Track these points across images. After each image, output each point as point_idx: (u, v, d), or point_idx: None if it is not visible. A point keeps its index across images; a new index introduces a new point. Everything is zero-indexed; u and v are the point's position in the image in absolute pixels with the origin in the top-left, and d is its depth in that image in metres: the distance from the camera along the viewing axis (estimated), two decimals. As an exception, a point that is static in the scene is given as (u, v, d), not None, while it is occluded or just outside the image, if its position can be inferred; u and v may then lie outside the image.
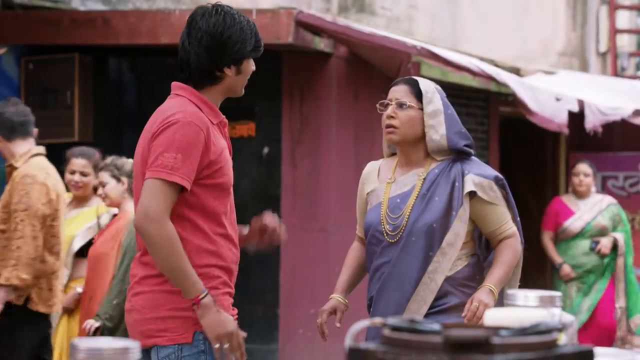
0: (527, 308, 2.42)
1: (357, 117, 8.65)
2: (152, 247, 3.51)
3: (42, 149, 5.75)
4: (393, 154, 4.35)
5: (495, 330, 2.08)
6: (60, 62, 8.30)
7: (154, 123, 3.61)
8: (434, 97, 4.21)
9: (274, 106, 8.26)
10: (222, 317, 3.54)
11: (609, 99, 10.01)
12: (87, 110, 8.32)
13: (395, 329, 2.08)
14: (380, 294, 4.18)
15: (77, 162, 6.51)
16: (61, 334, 6.39)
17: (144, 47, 8.24)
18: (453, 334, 2.01)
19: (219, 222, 3.64)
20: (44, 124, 8.26)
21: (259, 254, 8.50)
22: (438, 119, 4.18)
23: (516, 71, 10.70)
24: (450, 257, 4.12)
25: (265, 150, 8.26)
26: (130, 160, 6.18)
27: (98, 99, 8.46)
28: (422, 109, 4.19)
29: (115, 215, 6.44)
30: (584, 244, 8.78)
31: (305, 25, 7.85)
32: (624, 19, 14.35)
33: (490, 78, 9.22)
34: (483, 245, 4.26)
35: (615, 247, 8.75)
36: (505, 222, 4.19)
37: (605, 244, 8.71)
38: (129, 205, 6.11)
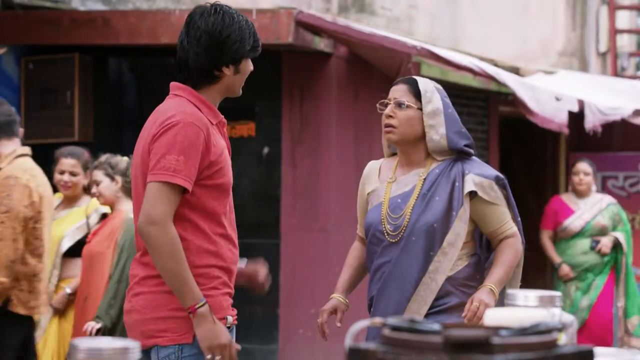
0: (527, 308, 2.42)
1: (357, 117, 8.65)
2: (153, 250, 3.51)
3: (27, 150, 5.68)
4: (394, 154, 4.35)
5: (495, 330, 2.08)
6: (60, 62, 8.30)
7: (154, 124, 3.61)
8: (433, 96, 4.20)
9: (274, 106, 8.26)
10: (217, 329, 3.54)
11: (609, 99, 10.01)
12: (87, 110, 8.32)
13: (395, 329, 2.08)
14: (380, 293, 4.18)
15: (66, 162, 6.49)
16: (53, 335, 6.36)
17: (144, 47, 8.24)
18: (453, 334, 2.01)
19: (218, 222, 3.64)
20: (44, 124, 8.29)
21: (259, 254, 8.51)
22: (438, 118, 4.18)
23: (516, 71, 10.70)
24: (451, 257, 4.12)
25: (265, 150, 8.26)
26: (125, 159, 6.18)
27: (98, 99, 8.45)
28: (421, 109, 4.19)
29: (104, 214, 6.44)
30: (584, 243, 8.77)
31: (305, 25, 7.85)
32: (624, 19, 14.35)
33: (490, 78, 9.22)
34: (484, 246, 4.26)
35: (615, 246, 8.74)
36: (505, 222, 4.19)
37: (605, 243, 8.70)
38: (124, 204, 6.10)
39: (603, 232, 8.75)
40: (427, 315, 4.10)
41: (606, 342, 8.53)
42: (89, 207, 6.46)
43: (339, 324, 4.23)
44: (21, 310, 5.53)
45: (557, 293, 2.49)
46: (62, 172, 6.48)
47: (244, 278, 3.90)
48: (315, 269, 8.34)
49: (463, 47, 10.67)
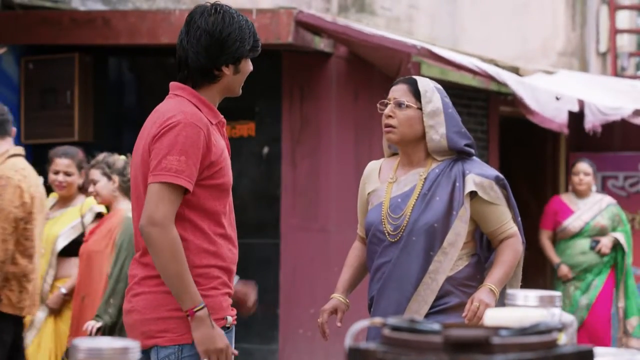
0: (527, 308, 2.42)
1: (357, 117, 8.65)
2: (155, 252, 3.51)
3: (20, 150, 5.66)
4: (394, 154, 4.35)
5: (495, 330, 2.08)
6: (60, 62, 8.30)
7: (154, 124, 3.61)
8: (433, 96, 4.20)
9: (274, 106, 8.26)
10: (215, 333, 3.54)
11: (609, 99, 10.00)
12: (87, 110, 8.32)
13: (395, 328, 2.08)
14: (381, 293, 4.18)
15: (61, 162, 6.48)
16: (49, 335, 6.35)
17: (144, 47, 8.24)
18: (453, 334, 2.01)
19: (218, 222, 3.64)
20: (44, 124, 8.29)
21: (259, 254, 8.52)
22: (438, 118, 4.18)
23: (516, 71, 10.70)
24: (452, 257, 4.12)
25: (265, 150, 8.26)
26: (122, 158, 6.17)
27: (98, 99, 8.45)
28: (421, 109, 4.19)
29: (99, 213, 6.43)
30: (583, 243, 8.75)
31: (305, 25, 7.85)
32: (624, 19, 14.35)
33: (490, 78, 9.22)
34: (484, 246, 4.26)
35: (615, 246, 8.73)
36: (506, 222, 4.19)
37: (605, 243, 8.69)
38: (121, 203, 6.09)
39: (602, 232, 8.74)
40: (427, 315, 4.10)
41: (604, 343, 8.53)
42: (84, 207, 6.46)
43: (339, 324, 4.23)
44: (10, 310, 5.52)
45: (557, 293, 2.49)
46: (56, 172, 6.47)
47: (233, 298, 3.89)
48: (315, 269, 8.34)
49: (463, 47, 10.67)
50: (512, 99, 9.50)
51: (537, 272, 10.45)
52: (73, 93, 8.25)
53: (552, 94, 9.46)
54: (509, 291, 2.50)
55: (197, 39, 3.65)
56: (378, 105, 4.26)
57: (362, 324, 2.22)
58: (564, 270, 8.74)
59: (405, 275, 4.12)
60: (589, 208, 8.79)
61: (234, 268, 3.72)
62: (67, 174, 6.46)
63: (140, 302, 3.62)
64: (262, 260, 8.18)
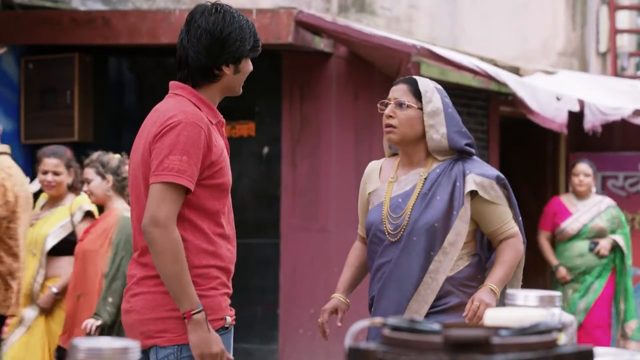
0: (527, 308, 2.42)
1: (357, 117, 8.65)
2: (156, 252, 3.51)
3: (6, 148, 5.63)
4: (395, 154, 4.35)
5: (495, 330, 2.08)
6: (60, 62, 8.30)
7: (154, 124, 3.60)
8: (433, 96, 4.21)
9: (274, 106, 8.26)
10: (211, 337, 3.53)
11: (609, 99, 10.00)
12: (87, 110, 8.32)
13: (395, 328, 2.08)
14: (381, 293, 4.18)
15: (49, 162, 6.46)
16: (39, 335, 6.33)
17: (144, 47, 8.24)
18: (453, 334, 2.01)
19: (217, 222, 3.64)
20: (44, 124, 8.29)
21: (259, 254, 8.52)
22: (438, 118, 4.18)
23: (516, 71, 10.70)
24: (452, 257, 4.12)
25: (265, 150, 8.26)
26: (117, 157, 6.16)
27: (98, 99, 8.46)
28: (421, 109, 4.19)
29: (88, 211, 6.43)
30: (581, 245, 8.72)
31: (305, 25, 7.85)
32: (624, 19, 14.35)
33: (490, 78, 9.22)
34: (485, 246, 4.26)
35: (614, 248, 8.71)
36: (506, 221, 4.19)
37: (604, 245, 8.66)
38: (116, 202, 6.09)
39: (601, 234, 8.70)
40: (427, 315, 4.10)
41: (601, 346, 8.51)
42: (73, 205, 6.45)
43: (339, 324, 4.23)
44: None
45: (557, 293, 2.49)
46: (45, 172, 6.46)
47: None
48: (315, 269, 8.35)
49: (463, 47, 10.67)
50: (512, 99, 9.50)
51: (536, 272, 10.44)
52: (73, 93, 8.25)
53: (552, 94, 9.46)
54: (509, 291, 2.50)
55: (198, 38, 3.65)
56: (378, 105, 4.26)
57: (362, 324, 2.22)
58: (562, 272, 8.72)
59: (406, 275, 4.12)
60: (588, 210, 8.76)
61: (233, 268, 3.72)
62: (56, 173, 6.45)
63: (139, 302, 3.62)
64: (262, 260, 8.18)
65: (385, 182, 4.27)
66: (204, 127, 3.57)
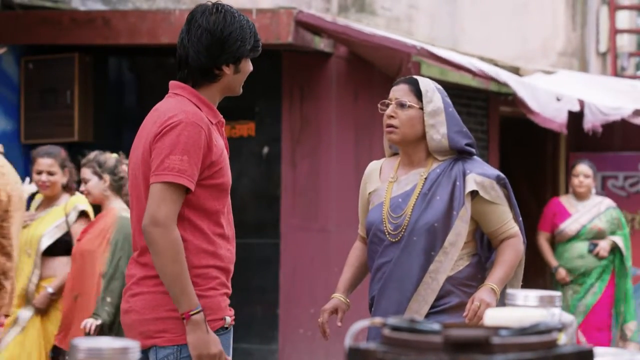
0: (527, 308, 2.42)
1: (357, 117, 8.65)
2: (156, 252, 3.51)
3: None
4: (395, 154, 4.35)
5: (495, 330, 2.08)
6: (60, 62, 8.30)
7: (154, 123, 3.60)
8: (434, 96, 4.21)
9: (274, 106, 8.26)
10: (209, 338, 3.53)
11: (609, 99, 10.00)
12: (87, 110, 8.32)
13: (395, 328, 2.08)
14: (381, 293, 4.18)
15: (43, 162, 6.45)
16: (35, 335, 6.31)
17: (144, 47, 8.24)
18: (453, 334, 2.01)
19: (217, 222, 3.64)
20: (44, 124, 8.29)
21: (259, 254, 8.51)
22: (439, 118, 4.18)
23: (516, 71, 10.70)
24: (452, 257, 4.12)
25: (265, 150, 8.26)
26: (114, 156, 6.14)
27: (98, 99, 8.46)
28: (422, 109, 4.19)
29: (82, 211, 6.41)
30: (580, 246, 8.69)
31: (305, 25, 7.85)
32: (624, 19, 14.34)
33: (490, 78, 9.22)
34: (485, 246, 4.26)
35: (613, 250, 8.68)
36: (506, 221, 4.19)
37: (603, 246, 8.62)
38: (113, 202, 6.07)
39: (600, 235, 8.66)
40: (427, 315, 4.10)
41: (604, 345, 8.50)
42: (68, 205, 6.43)
43: (339, 324, 4.23)
44: None
45: (557, 293, 2.49)
46: (39, 172, 6.44)
47: None
48: (315, 269, 8.35)
49: (463, 47, 10.67)
50: (512, 99, 9.50)
51: (536, 273, 10.44)
52: (73, 93, 8.25)
53: (552, 94, 9.46)
54: (509, 291, 2.50)
55: (198, 37, 3.65)
56: (379, 105, 4.26)
57: (362, 323, 2.22)
58: (561, 273, 8.69)
59: (406, 275, 4.12)
60: (587, 211, 8.73)
61: (232, 268, 3.72)
62: (50, 173, 6.43)
63: (138, 302, 3.61)
64: (262, 260, 8.18)
65: (386, 182, 4.27)
66: (205, 127, 3.57)
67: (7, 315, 5.65)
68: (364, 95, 8.62)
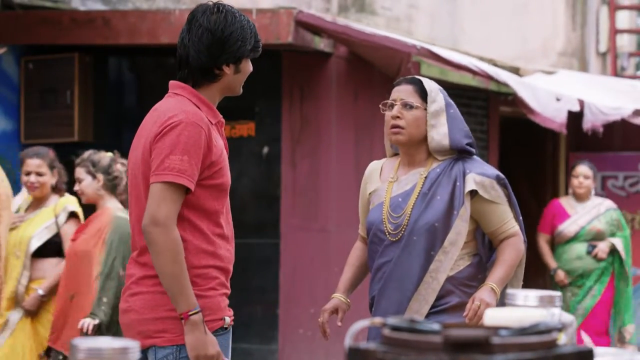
0: (527, 308, 2.42)
1: (357, 117, 8.65)
2: (155, 252, 3.51)
3: None
4: (396, 154, 4.35)
5: (495, 330, 2.08)
6: (60, 62, 8.30)
7: (154, 123, 3.60)
8: (437, 96, 4.22)
9: (274, 106, 8.26)
10: (207, 339, 3.53)
11: (609, 99, 10.00)
12: (87, 110, 8.32)
13: (395, 328, 2.08)
14: (381, 293, 4.18)
15: (32, 163, 6.40)
16: (25, 337, 6.25)
17: (144, 47, 8.24)
18: (453, 334, 2.01)
19: (217, 222, 3.64)
20: (44, 124, 8.29)
21: (259, 254, 8.51)
22: (440, 118, 4.19)
23: (516, 71, 10.70)
24: (452, 256, 4.12)
25: (265, 150, 8.26)
26: (109, 155, 6.12)
27: (98, 99, 8.46)
28: (426, 109, 4.19)
29: (72, 212, 6.39)
30: (578, 248, 8.67)
31: (305, 25, 7.85)
32: (624, 19, 14.35)
33: (490, 78, 9.22)
34: (487, 245, 4.26)
35: (612, 252, 8.66)
36: (507, 221, 4.19)
37: (602, 248, 8.58)
38: (108, 202, 6.04)
39: (599, 237, 8.62)
40: (428, 315, 4.10)
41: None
42: (58, 207, 6.39)
43: (340, 324, 4.23)
44: None
45: (557, 293, 2.48)
46: (28, 173, 6.39)
47: None
48: (315, 269, 8.35)
49: (463, 47, 10.67)
50: (512, 99, 9.50)
51: (536, 273, 10.44)
52: (73, 93, 8.25)
53: (552, 94, 9.46)
54: (509, 291, 2.50)
55: (199, 37, 3.65)
56: (381, 105, 4.25)
57: (362, 323, 2.22)
58: (560, 275, 8.67)
59: (406, 274, 4.12)
60: (586, 212, 8.70)
61: (231, 268, 3.72)
62: (39, 174, 6.38)
63: (137, 301, 3.61)
64: (262, 260, 8.18)
65: (386, 182, 4.27)
66: (205, 127, 3.57)
67: None
68: (364, 95, 8.62)
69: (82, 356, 1.94)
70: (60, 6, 8.31)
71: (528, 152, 11.65)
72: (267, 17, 7.65)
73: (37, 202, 6.47)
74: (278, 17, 7.67)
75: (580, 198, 8.75)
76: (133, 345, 1.96)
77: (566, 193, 9.49)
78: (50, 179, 6.40)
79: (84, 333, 5.73)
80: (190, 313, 3.50)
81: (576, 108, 9.44)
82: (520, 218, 4.26)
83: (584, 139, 10.20)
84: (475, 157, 4.25)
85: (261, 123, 8.28)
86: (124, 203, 6.03)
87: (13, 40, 8.20)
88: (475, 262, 4.18)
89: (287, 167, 8.26)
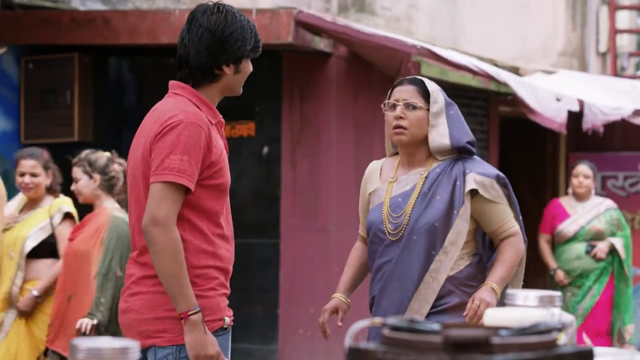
0: (527, 308, 2.42)
1: (357, 117, 8.65)
2: (155, 251, 3.51)
3: None
4: (395, 154, 4.36)
5: (495, 330, 2.08)
6: (60, 62, 8.30)
7: (155, 123, 3.60)
8: (438, 97, 4.22)
9: (274, 106, 8.26)
10: (207, 339, 3.53)
11: (609, 99, 10.00)
12: (87, 110, 8.32)
13: (395, 328, 2.08)
14: (382, 293, 4.18)
15: (26, 164, 6.39)
16: (19, 338, 6.23)
17: (144, 47, 8.24)
18: (453, 334, 2.01)
19: (216, 222, 3.64)
20: (44, 124, 8.29)
21: (259, 254, 8.51)
22: (440, 119, 4.19)
23: (516, 71, 10.70)
24: (452, 256, 4.12)
25: (265, 150, 8.26)
26: (106, 155, 6.10)
27: (98, 99, 8.46)
28: (428, 110, 4.20)
29: (67, 213, 6.38)
30: (578, 248, 8.65)
31: (305, 25, 7.85)
32: (624, 19, 14.35)
33: (490, 78, 9.22)
34: (487, 245, 4.26)
35: (612, 252, 8.64)
36: (507, 220, 4.19)
37: (601, 248, 8.56)
38: (105, 202, 6.02)
39: (599, 236, 8.60)
40: (428, 315, 4.10)
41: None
42: (52, 207, 6.37)
43: (340, 324, 4.23)
44: None
45: (557, 293, 2.49)
46: (22, 174, 6.38)
47: None
48: (315, 269, 8.35)
49: (463, 47, 10.67)
50: (512, 99, 9.50)
51: (537, 273, 10.44)
52: (73, 93, 8.25)
53: (552, 94, 9.46)
54: (509, 291, 2.50)
55: (199, 37, 3.65)
56: (382, 106, 4.25)
57: (362, 323, 2.22)
58: (560, 275, 8.66)
59: (407, 274, 4.12)
60: (586, 212, 8.68)
61: (231, 268, 3.72)
62: (34, 175, 6.37)
63: (137, 301, 3.61)
64: (262, 260, 8.18)
65: (386, 182, 4.27)
66: (205, 127, 3.57)
67: None
68: (364, 95, 8.62)
69: (82, 356, 1.94)
70: (60, 6, 8.31)
71: (528, 152, 11.65)
72: (267, 17, 7.65)
73: (32, 203, 6.45)
74: (278, 17, 7.67)
75: (580, 198, 8.73)
76: (133, 345, 1.96)
77: (566, 193, 9.47)
78: (44, 180, 6.39)
79: (82, 333, 5.72)
80: (190, 313, 3.50)
81: (576, 108, 9.44)
82: (521, 217, 4.26)
83: (584, 139, 10.20)
84: (475, 156, 4.25)
85: (261, 123, 8.28)
86: (121, 203, 6.02)
87: (13, 40, 8.20)
88: (475, 262, 4.18)
89: (287, 167, 8.26)
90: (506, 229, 4.19)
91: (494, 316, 2.31)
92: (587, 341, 8.53)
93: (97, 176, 6.00)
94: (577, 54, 13.33)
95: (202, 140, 3.55)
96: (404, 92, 4.22)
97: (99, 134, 8.36)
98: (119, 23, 7.98)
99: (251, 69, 3.76)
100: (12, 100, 8.35)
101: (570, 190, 8.88)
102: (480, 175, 4.16)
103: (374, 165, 4.39)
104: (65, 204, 6.39)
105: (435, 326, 2.06)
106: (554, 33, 12.92)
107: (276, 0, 8.88)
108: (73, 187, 6.08)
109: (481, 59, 9.83)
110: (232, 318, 3.70)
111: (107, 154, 6.13)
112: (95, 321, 5.74)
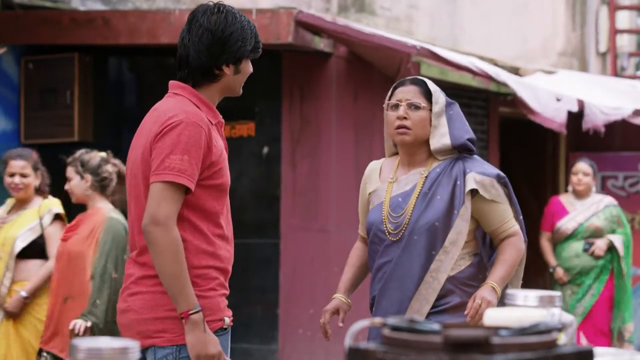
0: (527, 308, 2.42)
1: (357, 117, 8.65)
2: (155, 251, 3.50)
3: None
4: (395, 154, 4.36)
5: (495, 330, 2.08)
6: (60, 62, 8.30)
7: (155, 123, 3.60)
8: (439, 97, 4.23)
9: (274, 106, 8.26)
10: (208, 338, 3.52)
11: (609, 99, 10.00)
12: (87, 110, 8.32)
13: (395, 328, 2.08)
14: (382, 293, 4.18)
15: (16, 164, 6.38)
16: (9, 340, 6.20)
17: (144, 47, 8.24)
18: (453, 334, 2.01)
19: (216, 222, 3.64)
20: (44, 124, 8.29)
21: (259, 254, 8.51)
22: (440, 119, 4.20)
23: (516, 71, 10.70)
24: (453, 256, 4.12)
25: (265, 150, 8.26)
26: (100, 155, 6.08)
27: (98, 99, 8.45)
28: (431, 110, 4.20)
29: (57, 214, 6.36)
30: (576, 245, 8.63)
31: (305, 25, 7.85)
32: (624, 19, 14.35)
33: (490, 78, 9.22)
34: (487, 245, 4.26)
35: (610, 249, 8.63)
36: (507, 220, 4.19)
37: (599, 245, 8.55)
38: (98, 202, 5.99)
39: (598, 234, 8.58)
40: (429, 315, 4.10)
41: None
42: (42, 208, 6.36)
43: (341, 324, 4.23)
44: None
45: (557, 293, 2.48)
46: (12, 175, 6.37)
47: None
48: (315, 269, 8.34)
49: (463, 47, 10.67)
50: (512, 99, 9.50)
51: (537, 272, 10.44)
52: (73, 93, 8.25)
53: (552, 94, 9.46)
54: (509, 291, 2.50)
55: (199, 37, 3.65)
56: (384, 106, 4.25)
57: (362, 324, 2.22)
58: (559, 273, 8.64)
59: (407, 274, 4.12)
60: (585, 209, 8.66)
61: (230, 269, 3.72)
62: (23, 175, 6.35)
63: (137, 301, 3.61)
64: (262, 260, 8.18)
65: (385, 182, 4.27)
66: (205, 127, 3.57)
67: None
68: (364, 95, 8.62)
69: (82, 356, 1.93)
70: (60, 6, 8.31)
71: (528, 152, 11.65)
72: (267, 17, 7.65)
73: (20, 204, 6.44)
74: (278, 17, 7.67)
75: (579, 195, 8.71)
76: (133, 345, 1.96)
77: (566, 192, 9.47)
78: (34, 181, 6.38)
79: (75, 334, 5.69)
80: (191, 312, 3.50)
81: (576, 108, 9.44)
82: (521, 217, 4.27)
83: (584, 139, 10.20)
84: (475, 156, 4.25)
85: (261, 123, 8.27)
86: (115, 203, 6.00)
87: (13, 40, 8.20)
88: (475, 262, 4.18)
89: (287, 167, 8.26)
90: (506, 229, 4.19)
91: (494, 316, 2.31)
92: (583, 341, 8.52)
93: (88, 176, 5.96)
94: (577, 54, 13.33)
95: (202, 140, 3.55)
96: (406, 92, 4.22)
97: (99, 134, 8.36)
98: (119, 23, 7.98)
99: (251, 69, 3.76)
100: (12, 100, 8.34)
101: (570, 188, 8.87)
102: (481, 174, 4.17)
103: (374, 166, 4.39)
104: (54, 205, 6.38)
105: (436, 326, 2.06)
106: (554, 33, 12.92)
107: (276, 0, 8.88)
108: (67, 186, 6.06)
109: (481, 59, 9.84)
110: (232, 318, 3.70)
111: (102, 154, 6.09)
112: (89, 323, 5.70)
